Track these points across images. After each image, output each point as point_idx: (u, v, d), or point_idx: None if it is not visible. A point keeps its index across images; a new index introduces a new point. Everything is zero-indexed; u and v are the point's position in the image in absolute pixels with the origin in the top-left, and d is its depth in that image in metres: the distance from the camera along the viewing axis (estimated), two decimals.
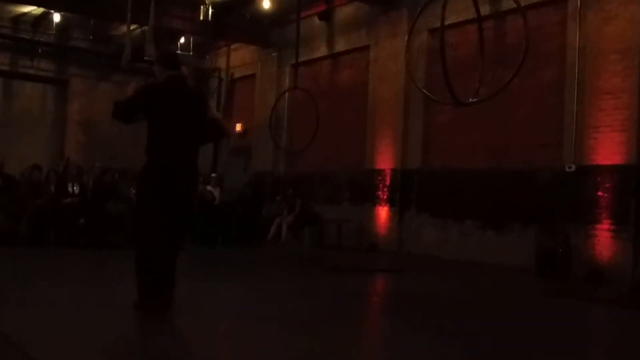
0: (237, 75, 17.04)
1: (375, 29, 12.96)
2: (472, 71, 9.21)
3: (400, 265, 9.72)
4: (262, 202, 14.31)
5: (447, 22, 7.83)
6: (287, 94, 14.29)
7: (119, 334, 4.58)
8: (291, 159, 14.86)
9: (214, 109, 8.08)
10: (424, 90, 9.52)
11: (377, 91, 12.87)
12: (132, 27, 13.37)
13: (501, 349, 4.73)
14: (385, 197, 12.46)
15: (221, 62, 17.35)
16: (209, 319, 5.26)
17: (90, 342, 4.25)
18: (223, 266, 9.51)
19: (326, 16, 13.95)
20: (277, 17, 14.56)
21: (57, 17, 15.10)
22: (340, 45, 13.91)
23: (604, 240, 9.00)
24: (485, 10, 9.97)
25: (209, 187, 13.03)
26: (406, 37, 10.15)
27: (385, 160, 12.52)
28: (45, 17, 15.16)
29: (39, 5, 14.06)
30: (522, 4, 8.09)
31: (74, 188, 11.18)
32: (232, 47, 16.92)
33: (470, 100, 7.99)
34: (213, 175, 13.83)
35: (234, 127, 16.78)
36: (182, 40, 16.61)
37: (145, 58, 13.11)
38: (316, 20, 14.08)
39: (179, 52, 16.32)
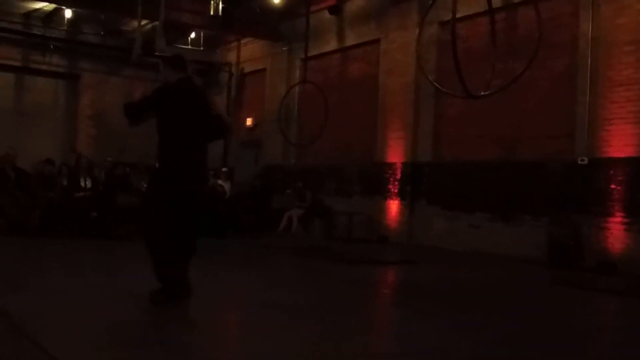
0: (247, 69, 17.08)
1: (386, 21, 12.93)
2: (483, 63, 9.17)
3: (410, 257, 9.71)
4: (272, 194, 14.39)
5: (458, 15, 7.79)
6: (297, 88, 14.30)
7: (131, 322, 4.62)
8: (301, 152, 14.88)
9: (220, 105, 8.11)
10: (435, 83, 9.48)
11: (387, 84, 12.84)
12: (143, 21, 13.43)
13: (511, 339, 4.73)
14: (395, 190, 12.45)
15: (231, 57, 17.40)
16: (219, 307, 5.30)
17: (102, 331, 4.30)
18: (233, 256, 9.56)
19: (336, 10, 13.93)
20: (287, 11, 14.56)
21: (68, 13, 15.19)
22: (351, 39, 13.89)
23: (616, 232, 8.96)
24: (496, 2, 9.91)
25: (219, 181, 13.09)
26: (417, 30, 10.12)
27: (395, 153, 12.50)
28: (57, 13, 15.25)
29: (50, 2, 14.17)
30: None
31: (86, 182, 11.28)
32: (242, 41, 16.98)
33: (482, 93, 7.96)
34: (224, 169, 13.89)
35: (245, 121, 16.85)
36: (192, 34, 16.65)
37: (155, 52, 13.21)
38: (326, 14, 14.06)
39: (188, 47, 16.43)
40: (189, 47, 16.64)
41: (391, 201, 12.52)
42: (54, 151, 14.27)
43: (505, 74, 9.17)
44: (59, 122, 16.36)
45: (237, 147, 16.84)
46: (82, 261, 8.21)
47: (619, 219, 8.95)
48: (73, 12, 15.14)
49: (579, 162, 9.45)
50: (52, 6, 14.72)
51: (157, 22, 13.06)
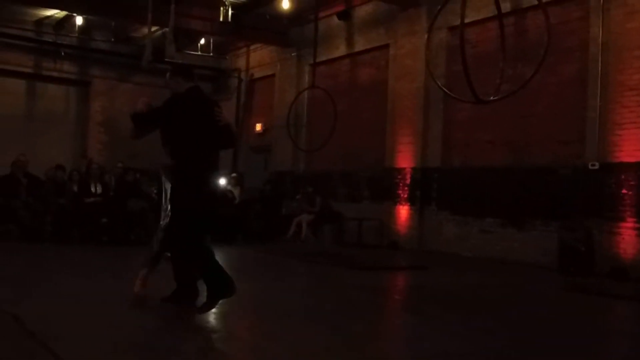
0: (256, 75, 17.14)
1: (395, 27, 12.94)
2: (492, 68, 9.14)
3: (420, 263, 9.69)
4: (282, 200, 14.38)
5: (466, 20, 7.79)
6: (306, 93, 14.32)
7: (142, 328, 4.64)
8: (311, 157, 14.88)
9: (229, 111, 8.14)
10: (444, 88, 9.47)
11: (396, 89, 12.84)
12: (153, 28, 13.48)
13: (522, 344, 4.71)
14: (405, 195, 12.43)
15: (241, 63, 17.47)
16: (231, 313, 5.30)
17: (114, 336, 4.32)
18: (243, 262, 9.56)
19: (345, 15, 13.96)
20: (296, 16, 14.61)
21: (79, 20, 15.31)
22: (360, 44, 13.91)
23: (628, 237, 8.89)
24: (505, 7, 9.91)
25: (229, 187, 13.12)
26: (426, 35, 10.11)
27: (405, 159, 12.49)
28: (68, 20, 15.38)
29: (61, 9, 14.28)
30: (544, 0, 8.01)
31: (97, 188, 11.35)
32: (252, 47, 17.04)
33: (492, 98, 7.93)
34: (233, 174, 13.91)
35: (254, 126, 16.90)
36: (202, 41, 16.73)
37: (165, 59, 13.27)
38: (335, 19, 14.09)
39: (198, 53, 16.51)
40: (199, 53, 16.73)
41: (401, 206, 12.50)
42: (65, 157, 14.35)
43: (514, 78, 9.16)
44: (70, 128, 16.47)
45: (247, 153, 16.89)
46: (93, 266, 8.26)
47: (630, 224, 8.88)
48: (84, 19, 15.26)
49: (590, 167, 9.40)
50: (63, 13, 14.86)
51: (167, 29, 13.12)
